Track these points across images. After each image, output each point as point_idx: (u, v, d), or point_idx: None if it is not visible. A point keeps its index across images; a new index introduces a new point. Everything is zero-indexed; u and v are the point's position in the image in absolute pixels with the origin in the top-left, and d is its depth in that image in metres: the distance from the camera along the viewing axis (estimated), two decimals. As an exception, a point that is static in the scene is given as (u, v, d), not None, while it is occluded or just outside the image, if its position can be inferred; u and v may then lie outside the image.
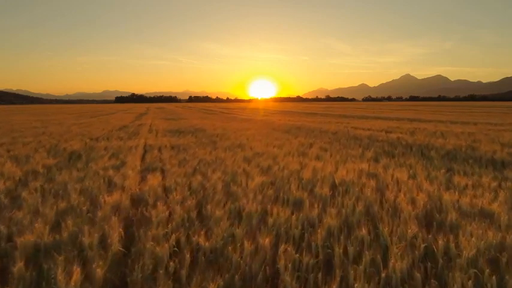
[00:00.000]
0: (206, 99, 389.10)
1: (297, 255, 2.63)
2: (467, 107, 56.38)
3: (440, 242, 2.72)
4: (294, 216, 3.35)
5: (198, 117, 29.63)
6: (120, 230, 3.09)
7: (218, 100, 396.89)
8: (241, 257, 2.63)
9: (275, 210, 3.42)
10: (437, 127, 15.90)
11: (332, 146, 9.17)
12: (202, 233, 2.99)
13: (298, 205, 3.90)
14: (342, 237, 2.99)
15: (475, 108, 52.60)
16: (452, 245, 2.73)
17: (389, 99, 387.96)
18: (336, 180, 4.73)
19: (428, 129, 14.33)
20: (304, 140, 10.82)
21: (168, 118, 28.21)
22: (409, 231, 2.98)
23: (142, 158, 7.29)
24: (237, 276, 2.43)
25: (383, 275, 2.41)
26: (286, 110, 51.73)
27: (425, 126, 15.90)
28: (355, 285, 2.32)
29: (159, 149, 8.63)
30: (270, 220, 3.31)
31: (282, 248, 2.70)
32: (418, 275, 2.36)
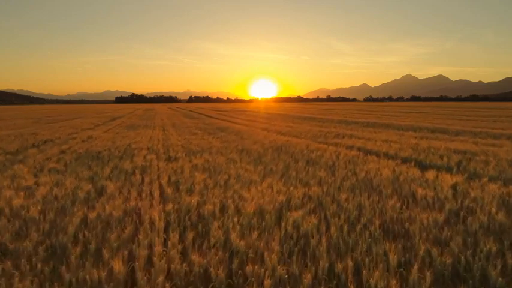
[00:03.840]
0: (206, 99, 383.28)
1: None
2: (478, 109, 50.93)
3: None
4: None
5: (168, 124, 24.55)
6: None
7: (218, 100, 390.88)
8: None
9: None
10: (481, 147, 10.83)
11: (324, 220, 4.12)
12: None
13: None
14: None
15: (488, 110, 47.22)
16: None
17: (390, 99, 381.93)
18: None
19: (477, 155, 9.25)
20: (273, 189, 5.76)
21: (131, 126, 23.15)
22: None
23: None
24: None
25: None
26: (281, 112, 46.51)
27: (467, 147, 10.77)
28: None
29: None
30: None
31: None
32: None
